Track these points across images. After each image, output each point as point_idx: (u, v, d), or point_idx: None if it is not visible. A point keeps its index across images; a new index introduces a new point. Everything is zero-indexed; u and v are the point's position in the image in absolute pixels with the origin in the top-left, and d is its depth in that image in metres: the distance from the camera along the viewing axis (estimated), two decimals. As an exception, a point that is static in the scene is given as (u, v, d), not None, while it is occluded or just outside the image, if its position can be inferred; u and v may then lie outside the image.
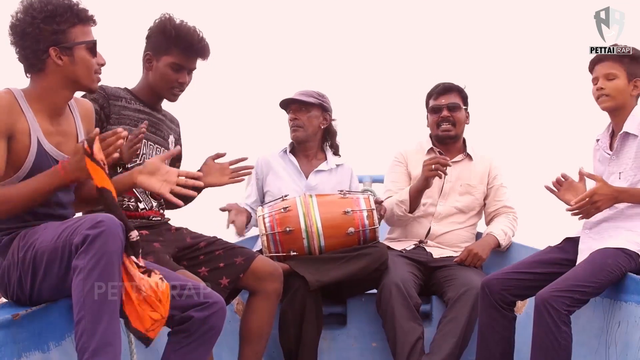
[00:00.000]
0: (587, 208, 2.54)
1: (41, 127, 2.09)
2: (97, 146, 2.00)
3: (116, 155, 2.10)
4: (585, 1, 3.91)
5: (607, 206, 2.57)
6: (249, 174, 2.87)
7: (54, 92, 2.11)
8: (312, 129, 3.38)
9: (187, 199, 2.83)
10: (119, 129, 2.09)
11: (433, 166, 3.05)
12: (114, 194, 2.00)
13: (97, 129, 2.06)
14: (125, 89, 2.71)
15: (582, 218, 2.61)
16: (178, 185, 2.13)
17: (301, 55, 6.11)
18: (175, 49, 2.62)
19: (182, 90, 2.70)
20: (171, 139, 2.83)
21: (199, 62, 2.70)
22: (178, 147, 2.26)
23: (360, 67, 6.19)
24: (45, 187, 2.03)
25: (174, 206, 2.85)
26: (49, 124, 2.12)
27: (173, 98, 2.71)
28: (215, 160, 2.76)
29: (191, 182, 2.16)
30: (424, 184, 3.15)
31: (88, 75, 2.13)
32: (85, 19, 2.13)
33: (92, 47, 2.13)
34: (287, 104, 3.40)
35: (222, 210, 3.27)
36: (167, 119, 2.83)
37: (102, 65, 2.16)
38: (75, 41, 2.10)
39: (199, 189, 2.35)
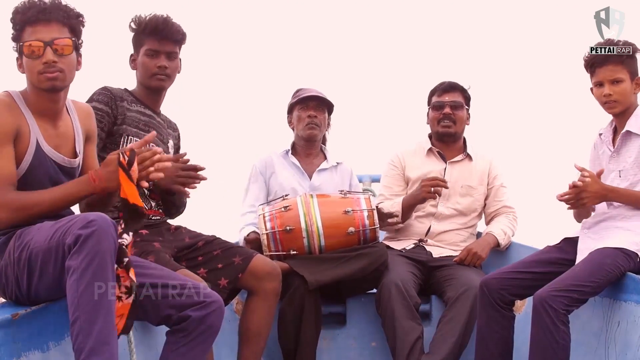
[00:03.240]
0: (573, 202, 2.55)
1: (40, 129, 2.09)
2: (136, 163, 2.01)
3: (157, 156, 2.03)
4: (585, 1, 3.91)
5: (593, 203, 2.57)
6: (193, 187, 2.59)
7: (37, 97, 2.11)
8: (323, 129, 3.41)
9: (178, 209, 2.83)
10: (156, 148, 2.07)
11: (432, 189, 3.10)
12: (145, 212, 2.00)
13: (134, 144, 2.04)
14: (126, 89, 2.73)
15: (570, 207, 2.61)
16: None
17: (301, 54, 6.12)
18: (146, 37, 2.68)
19: (166, 75, 2.69)
20: (170, 143, 2.84)
21: (180, 48, 2.72)
22: (153, 131, 2.23)
23: (359, 66, 6.19)
24: (75, 194, 2.05)
25: (170, 208, 2.85)
26: (48, 126, 2.12)
27: (159, 84, 2.70)
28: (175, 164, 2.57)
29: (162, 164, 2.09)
30: (419, 202, 3.21)
31: (32, 76, 2.08)
32: (32, 19, 2.05)
33: (28, 47, 2.05)
34: (306, 101, 3.34)
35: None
36: (165, 123, 2.85)
37: (47, 63, 2.05)
38: (19, 45, 2.07)
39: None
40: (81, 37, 2.14)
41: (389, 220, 3.21)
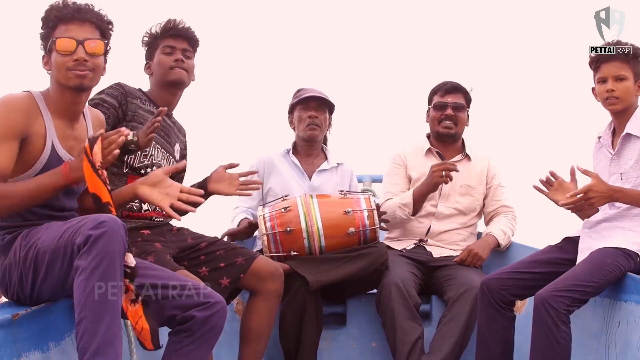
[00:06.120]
0: (581, 204, 2.52)
1: (57, 130, 2.09)
2: (97, 146, 1.99)
3: (122, 138, 2.04)
4: (585, 1, 3.91)
5: (600, 204, 2.55)
6: (257, 189, 2.88)
7: (59, 96, 2.11)
8: (324, 130, 3.41)
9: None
10: (123, 129, 2.07)
11: (443, 172, 3.07)
12: (103, 200, 1.98)
13: (102, 130, 2.04)
14: (140, 89, 2.75)
15: (573, 211, 2.59)
16: (179, 200, 2.09)
17: (302, 54, 6.12)
18: (162, 37, 2.74)
19: (182, 68, 2.72)
20: (177, 147, 2.85)
21: (194, 51, 2.77)
22: (184, 162, 2.28)
23: (360, 66, 6.20)
24: (47, 185, 2.02)
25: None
26: (65, 127, 2.13)
27: (178, 76, 2.72)
28: (227, 170, 2.77)
29: (193, 198, 2.12)
30: (432, 188, 3.17)
31: (59, 73, 2.07)
32: (68, 16, 2.07)
33: (61, 43, 2.05)
34: (307, 101, 3.33)
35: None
36: (176, 127, 2.86)
37: (78, 60, 2.06)
38: (49, 43, 2.07)
39: (197, 205, 2.29)
40: (109, 44, 2.16)
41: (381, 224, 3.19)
